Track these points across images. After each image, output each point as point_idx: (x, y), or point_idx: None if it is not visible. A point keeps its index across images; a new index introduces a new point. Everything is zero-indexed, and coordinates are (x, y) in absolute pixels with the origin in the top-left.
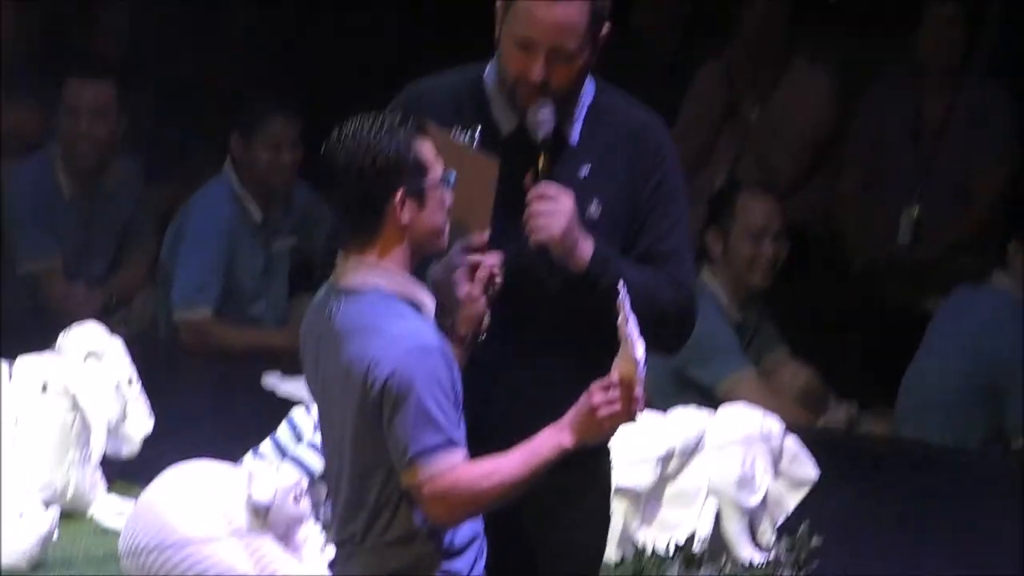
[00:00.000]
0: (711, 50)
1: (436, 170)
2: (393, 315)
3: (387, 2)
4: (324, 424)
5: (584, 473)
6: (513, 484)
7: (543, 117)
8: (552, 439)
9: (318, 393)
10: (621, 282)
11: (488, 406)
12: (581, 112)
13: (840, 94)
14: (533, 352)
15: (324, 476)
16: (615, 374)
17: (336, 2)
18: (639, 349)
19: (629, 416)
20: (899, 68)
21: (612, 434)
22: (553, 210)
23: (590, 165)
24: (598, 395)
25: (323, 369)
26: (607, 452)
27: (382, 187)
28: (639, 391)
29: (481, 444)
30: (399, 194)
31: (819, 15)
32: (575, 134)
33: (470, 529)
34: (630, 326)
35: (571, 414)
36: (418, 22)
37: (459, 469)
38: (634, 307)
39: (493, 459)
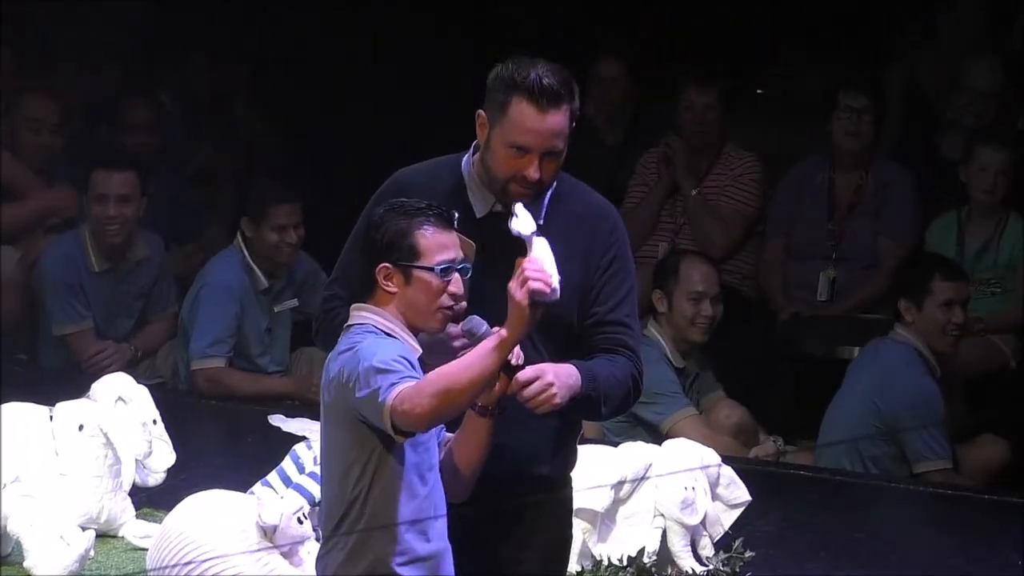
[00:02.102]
0: (654, 138)
1: (432, 259)
2: (369, 339)
3: (379, 100)
4: (322, 441)
5: (550, 499)
6: (469, 377)
7: (471, 326)
8: (493, 337)
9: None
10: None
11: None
12: (546, 197)
13: (766, 175)
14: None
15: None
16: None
17: (331, 101)
18: (519, 225)
19: (534, 280)
20: (816, 152)
21: (535, 313)
22: (545, 387)
23: (552, 245)
24: (511, 286)
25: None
26: (569, 481)
27: (370, 256)
28: (533, 266)
29: None
30: (382, 267)
31: (748, 108)
32: (540, 215)
33: (431, 543)
34: (515, 218)
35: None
36: (408, 115)
37: (414, 385)
38: (614, 399)
39: (445, 366)
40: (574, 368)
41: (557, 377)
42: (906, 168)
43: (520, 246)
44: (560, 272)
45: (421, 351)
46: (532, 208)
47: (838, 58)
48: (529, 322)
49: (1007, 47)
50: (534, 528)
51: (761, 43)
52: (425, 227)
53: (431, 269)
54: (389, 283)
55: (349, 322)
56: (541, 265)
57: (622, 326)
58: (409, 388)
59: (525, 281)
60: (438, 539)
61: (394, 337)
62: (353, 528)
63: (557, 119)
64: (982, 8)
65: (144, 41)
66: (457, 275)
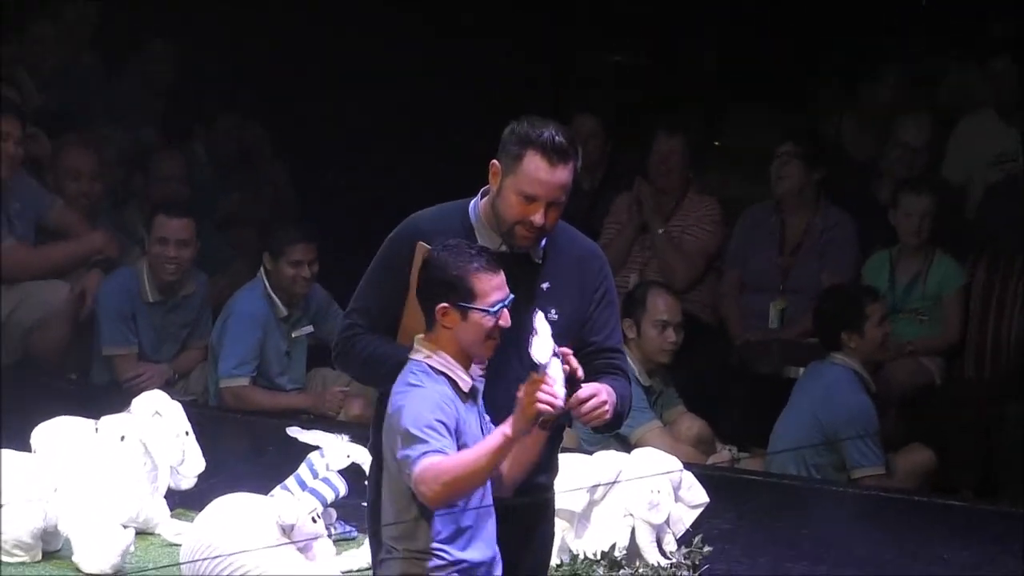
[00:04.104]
0: (626, 183)
1: (488, 299)
2: (418, 379)
3: (386, 151)
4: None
5: (540, 505)
6: (475, 467)
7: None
8: (497, 433)
9: None
10: (535, 312)
11: None
12: (543, 239)
13: (723, 217)
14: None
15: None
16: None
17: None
18: (537, 354)
19: (542, 402)
20: (766, 197)
21: (535, 421)
22: (601, 403)
23: (549, 280)
24: (520, 391)
25: None
26: (552, 488)
27: (431, 297)
28: (547, 387)
29: None
30: (441, 306)
31: (707, 157)
32: (539, 255)
33: (471, 551)
34: (533, 342)
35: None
36: (411, 166)
37: (435, 465)
38: (624, 410)
39: (459, 454)
40: (610, 388)
41: (608, 395)
42: (848, 213)
43: (527, 281)
44: (558, 307)
45: (471, 381)
46: (533, 250)
47: (785, 116)
48: (531, 427)
49: (933, 104)
50: (531, 526)
51: (719, 101)
52: (479, 271)
53: (486, 311)
54: (447, 321)
55: (411, 355)
56: (553, 386)
57: (616, 352)
58: (430, 468)
59: (534, 400)
60: (482, 548)
61: (445, 375)
62: (398, 537)
63: (564, 173)
64: (906, 73)
65: (178, 101)
66: (505, 310)
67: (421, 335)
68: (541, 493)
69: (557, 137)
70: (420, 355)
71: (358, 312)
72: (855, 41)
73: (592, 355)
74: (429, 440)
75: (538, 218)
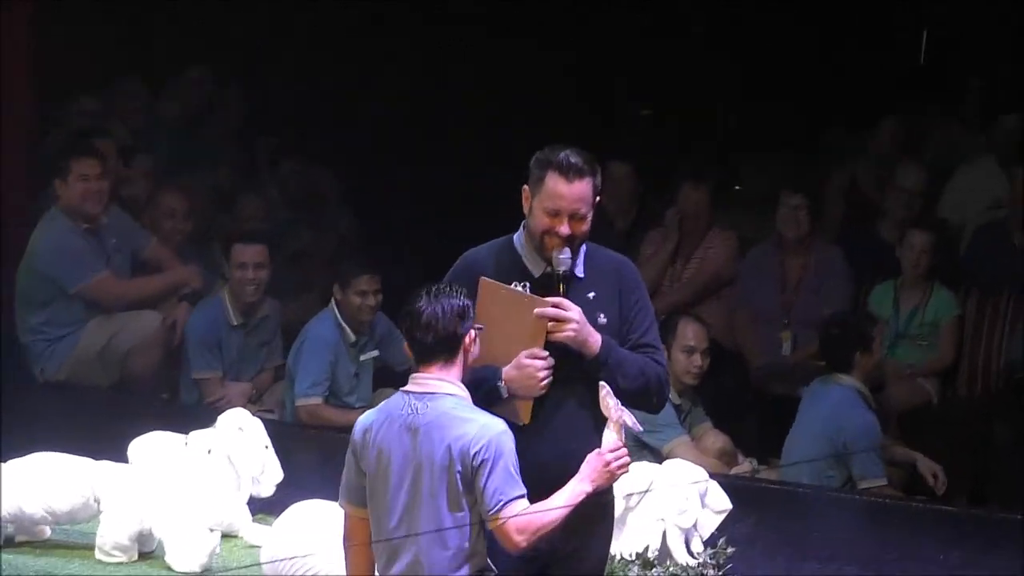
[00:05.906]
0: (655, 221)
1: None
2: (472, 409)
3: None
4: (396, 493)
5: (600, 504)
6: (557, 519)
7: (563, 256)
8: (578, 488)
9: (392, 470)
10: (602, 383)
11: (546, 437)
12: (581, 257)
13: (740, 249)
14: (571, 400)
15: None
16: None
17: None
18: (627, 419)
19: (625, 466)
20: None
21: (615, 479)
22: (562, 317)
23: (594, 290)
24: (608, 455)
25: (404, 451)
26: (611, 490)
27: (463, 329)
28: (625, 452)
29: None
30: (472, 333)
31: (727, 200)
32: (581, 270)
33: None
34: (612, 407)
35: (587, 471)
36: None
37: (529, 516)
38: (631, 378)
39: (544, 504)
40: (602, 336)
41: (582, 318)
42: (840, 250)
43: (575, 293)
44: (604, 312)
45: None
46: (573, 259)
47: (794, 162)
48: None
49: (929, 153)
50: (593, 522)
51: (739, 149)
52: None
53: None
54: (472, 345)
55: (428, 388)
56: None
57: (651, 347)
58: (523, 518)
59: (623, 467)
60: None
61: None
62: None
63: (580, 187)
64: (905, 124)
65: (249, 146)
66: None
67: (432, 371)
68: (602, 496)
69: (572, 157)
70: (449, 386)
71: None
72: (861, 96)
73: (630, 350)
74: (519, 483)
75: (563, 229)
